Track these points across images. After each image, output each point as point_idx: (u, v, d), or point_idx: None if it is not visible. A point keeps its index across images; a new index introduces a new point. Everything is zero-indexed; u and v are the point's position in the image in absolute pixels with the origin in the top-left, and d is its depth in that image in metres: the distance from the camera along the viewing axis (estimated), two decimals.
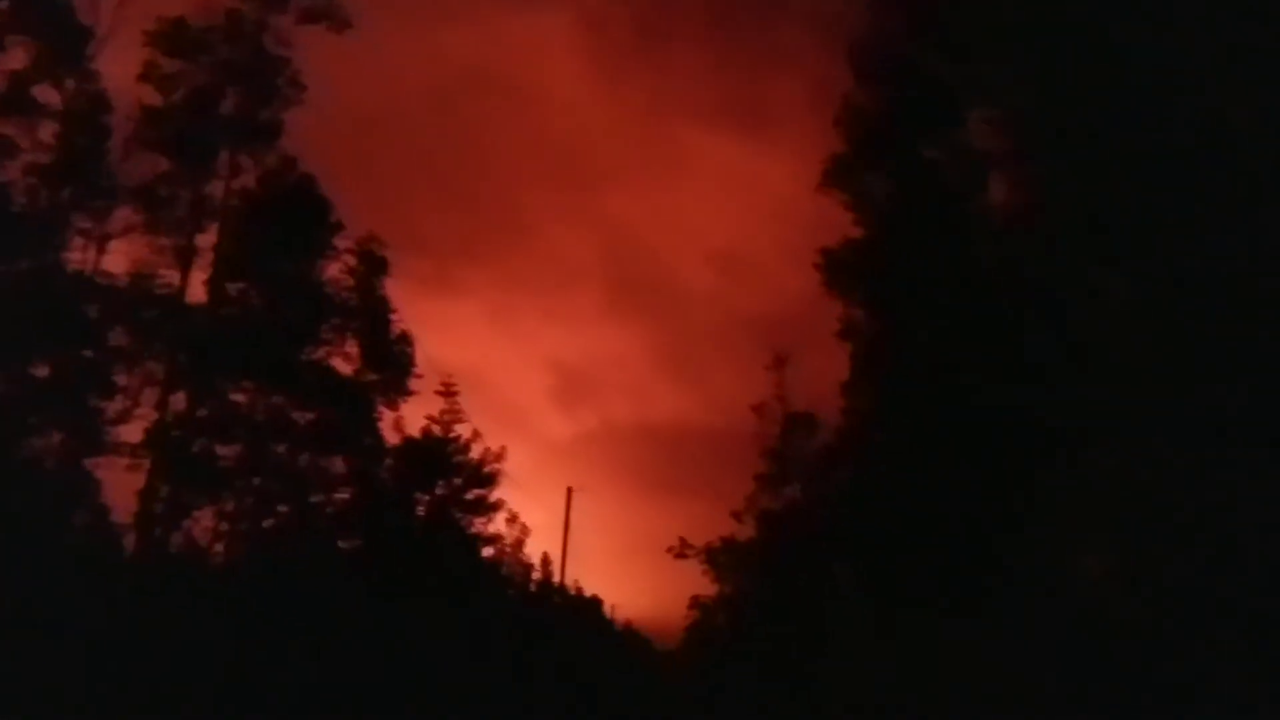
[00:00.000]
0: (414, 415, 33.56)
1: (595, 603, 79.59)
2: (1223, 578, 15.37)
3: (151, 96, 25.83)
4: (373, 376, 29.48)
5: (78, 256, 24.40)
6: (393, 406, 30.91)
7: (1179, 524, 16.52)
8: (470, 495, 36.22)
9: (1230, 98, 17.04)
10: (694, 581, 47.65)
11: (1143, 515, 17.53)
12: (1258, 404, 15.42)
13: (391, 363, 29.82)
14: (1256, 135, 16.28)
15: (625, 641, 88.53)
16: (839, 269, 25.76)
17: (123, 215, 24.97)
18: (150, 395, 24.88)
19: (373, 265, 29.24)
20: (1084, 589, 19.14)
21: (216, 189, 26.55)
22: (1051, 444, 19.61)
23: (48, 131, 23.87)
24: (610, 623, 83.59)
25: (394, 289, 30.42)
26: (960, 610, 20.56)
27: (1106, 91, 18.35)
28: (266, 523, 27.50)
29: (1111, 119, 18.11)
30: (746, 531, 39.33)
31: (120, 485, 24.53)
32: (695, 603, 49.07)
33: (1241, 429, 15.53)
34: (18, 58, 23.32)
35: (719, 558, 40.27)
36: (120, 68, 25.51)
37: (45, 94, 23.91)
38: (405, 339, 30.21)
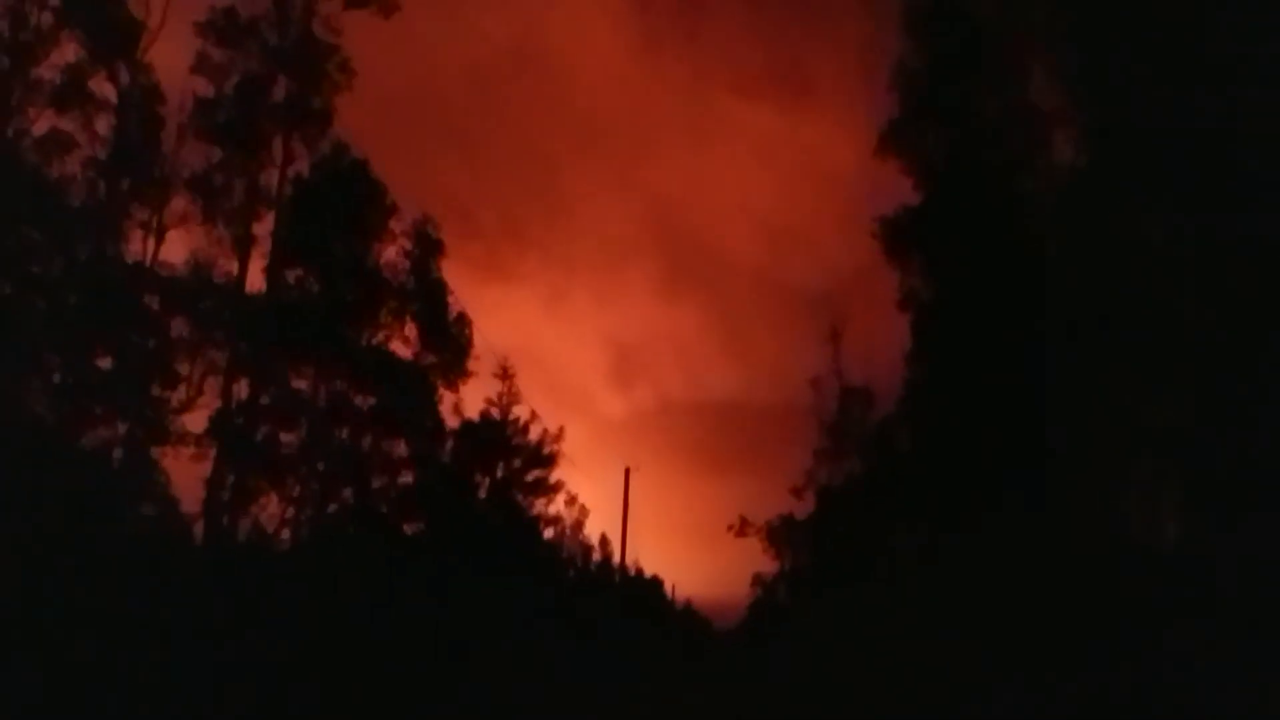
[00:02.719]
0: (471, 399, 33.82)
1: (655, 583, 79.69)
2: None
3: (204, 88, 26.03)
4: (432, 359, 29.62)
5: (136, 248, 24.65)
6: (452, 388, 31.06)
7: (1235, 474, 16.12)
8: (530, 477, 36.40)
9: None
10: (753, 559, 47.62)
11: (1197, 469, 17.17)
12: None
13: (450, 344, 29.92)
14: None
15: (686, 622, 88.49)
16: (898, 236, 25.29)
17: (179, 206, 25.16)
18: (213, 384, 25.12)
19: (428, 247, 29.35)
20: (1138, 548, 18.82)
21: (271, 177, 26.71)
22: (1110, 410, 19.21)
23: (103, 124, 24.10)
24: (671, 602, 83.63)
25: (447, 273, 30.65)
26: (1022, 578, 20.17)
27: (1177, 44, 17.72)
28: (330, 508, 27.72)
29: (1183, 73, 17.46)
30: (806, 507, 39.17)
31: (187, 474, 24.83)
32: (757, 580, 49.13)
33: None
34: (72, 52, 23.54)
35: (779, 534, 40.17)
36: (172, 60, 25.67)
37: (100, 88, 24.12)
38: (463, 320, 30.33)
